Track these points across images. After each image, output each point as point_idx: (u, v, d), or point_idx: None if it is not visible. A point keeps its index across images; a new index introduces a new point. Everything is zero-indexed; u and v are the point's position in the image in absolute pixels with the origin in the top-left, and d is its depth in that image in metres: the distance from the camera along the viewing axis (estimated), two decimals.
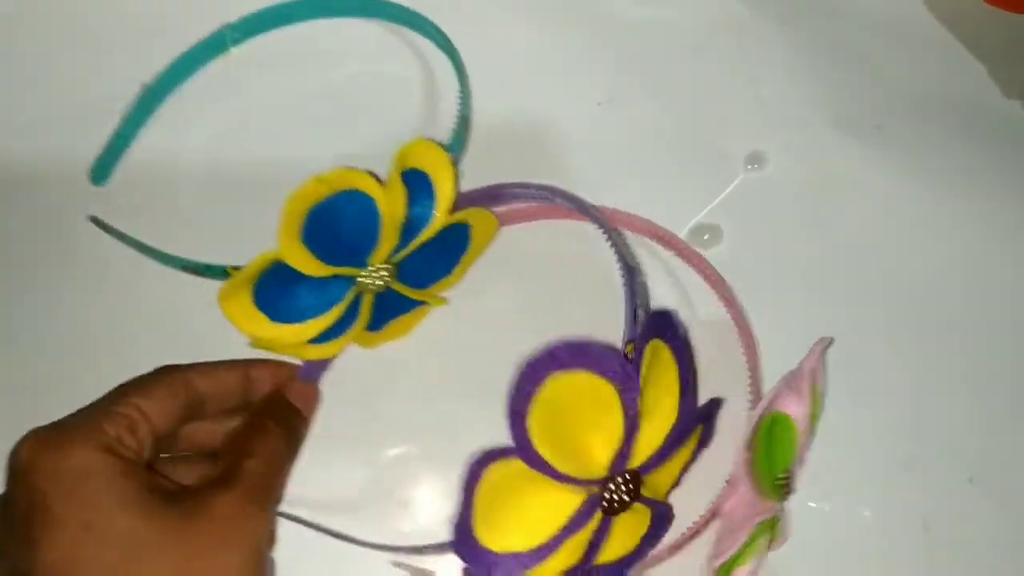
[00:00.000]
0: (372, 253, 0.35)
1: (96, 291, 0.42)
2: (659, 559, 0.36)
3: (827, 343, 0.38)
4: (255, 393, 0.37)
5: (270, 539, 0.33)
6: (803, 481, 0.38)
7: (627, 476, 0.30)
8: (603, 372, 0.29)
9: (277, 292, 0.35)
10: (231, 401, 0.36)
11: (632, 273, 0.35)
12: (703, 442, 0.34)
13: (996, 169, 0.45)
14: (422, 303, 0.39)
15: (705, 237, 0.43)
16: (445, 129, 0.42)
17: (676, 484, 0.34)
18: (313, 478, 0.38)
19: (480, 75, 0.45)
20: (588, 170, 0.44)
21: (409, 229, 0.35)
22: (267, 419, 0.35)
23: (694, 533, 0.36)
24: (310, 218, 0.32)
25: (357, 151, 0.43)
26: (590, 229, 0.39)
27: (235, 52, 0.46)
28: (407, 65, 0.46)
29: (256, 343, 0.36)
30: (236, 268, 0.38)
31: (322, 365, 0.39)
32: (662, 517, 0.33)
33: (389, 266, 0.36)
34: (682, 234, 0.42)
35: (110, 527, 0.29)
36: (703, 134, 0.45)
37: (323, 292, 0.35)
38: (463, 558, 0.30)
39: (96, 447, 0.30)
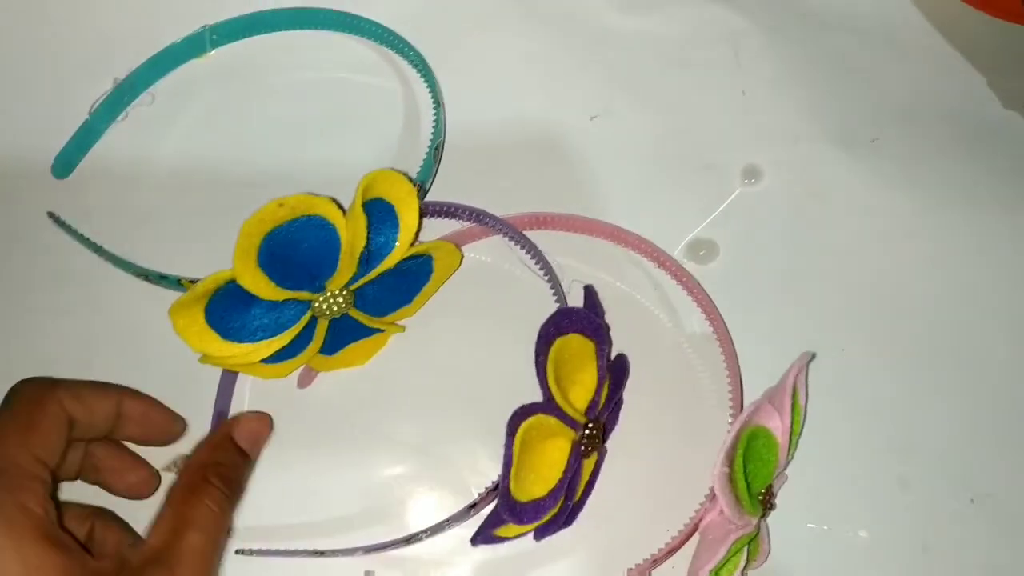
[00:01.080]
0: (330, 279, 0.34)
1: (53, 290, 0.41)
2: (640, 572, 0.35)
3: (809, 357, 0.37)
4: (122, 428, 0.34)
5: None
6: (799, 502, 0.38)
7: (596, 422, 0.35)
8: (587, 332, 0.34)
9: (230, 311, 0.34)
10: (96, 431, 0.34)
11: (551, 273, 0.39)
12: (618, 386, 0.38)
13: (996, 181, 0.44)
14: (379, 331, 0.39)
15: (701, 253, 0.42)
16: (423, 145, 0.42)
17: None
18: (306, 499, 0.38)
19: (471, 90, 0.44)
20: (582, 185, 0.43)
21: (369, 258, 0.35)
22: (212, 476, 0.32)
23: (674, 548, 0.35)
24: (268, 241, 0.32)
25: (332, 165, 0.43)
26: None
27: (212, 55, 0.45)
28: (387, 78, 0.45)
29: (206, 359, 0.35)
30: (191, 281, 0.37)
31: (228, 397, 0.38)
32: (602, 457, 0.38)
33: (346, 293, 0.35)
34: (677, 250, 0.42)
35: None
36: (698, 148, 0.44)
37: (277, 314, 0.35)
38: (503, 511, 0.33)
39: (40, 541, 0.27)
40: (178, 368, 0.37)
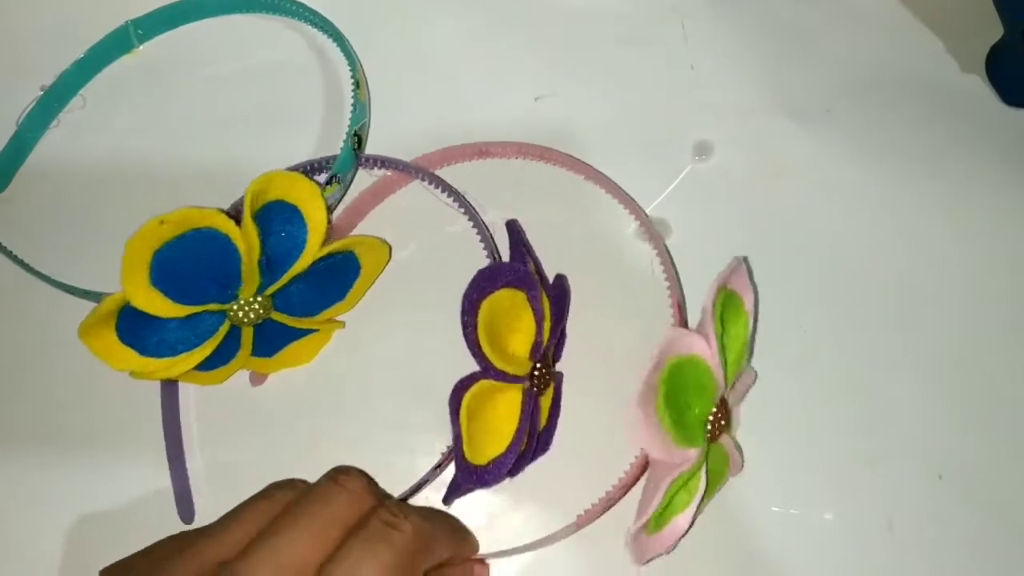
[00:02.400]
0: (241, 287, 0.33)
1: None
2: (593, 515, 0.34)
3: (740, 260, 0.34)
4: None
5: None
6: (763, 484, 0.36)
7: (543, 359, 0.34)
8: (513, 284, 0.33)
9: (144, 327, 0.33)
10: None
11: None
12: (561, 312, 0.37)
13: (956, 148, 0.41)
14: (315, 330, 0.37)
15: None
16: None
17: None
18: None
19: (410, 73, 0.43)
20: None
21: (277, 262, 0.33)
22: None
23: (625, 486, 0.34)
24: (157, 259, 0.30)
25: (270, 154, 0.41)
26: None
27: (141, 50, 0.44)
28: (318, 61, 0.43)
29: (135, 375, 0.34)
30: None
31: (174, 406, 0.37)
32: (560, 382, 0.37)
33: (262, 299, 0.34)
34: (629, 230, 0.40)
35: None
36: (646, 126, 0.42)
37: (194, 326, 0.34)
38: (464, 482, 0.33)
39: None
40: (115, 380, 0.36)
